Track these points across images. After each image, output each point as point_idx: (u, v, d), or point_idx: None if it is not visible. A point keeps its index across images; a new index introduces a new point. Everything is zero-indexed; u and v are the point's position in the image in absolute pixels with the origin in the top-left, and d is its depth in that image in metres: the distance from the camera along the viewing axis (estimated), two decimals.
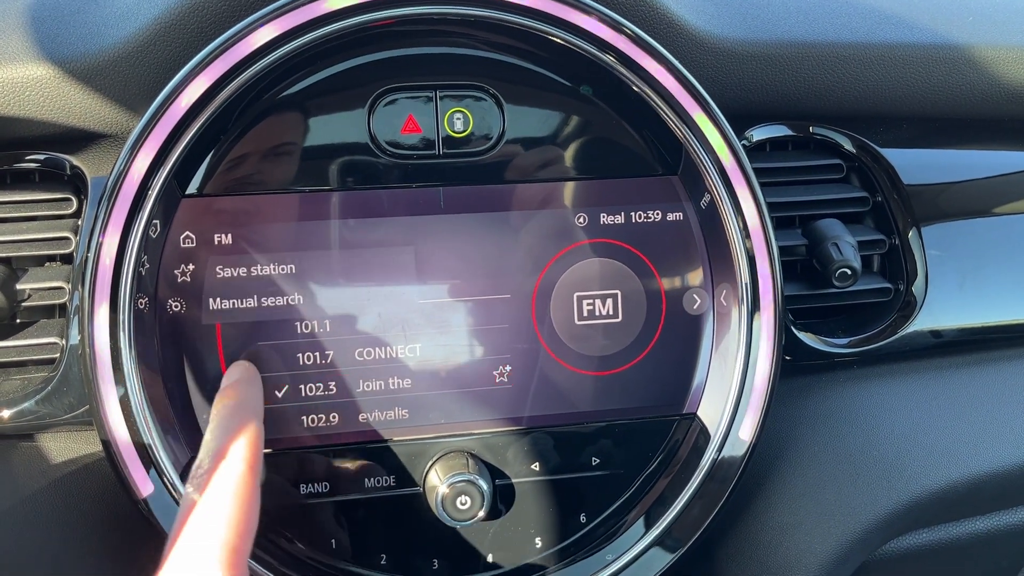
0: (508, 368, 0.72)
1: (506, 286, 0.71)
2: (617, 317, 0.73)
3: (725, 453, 0.71)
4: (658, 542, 0.72)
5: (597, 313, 0.73)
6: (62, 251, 0.73)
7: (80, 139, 0.75)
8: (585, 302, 0.73)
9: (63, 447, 0.72)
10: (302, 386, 0.69)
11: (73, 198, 0.74)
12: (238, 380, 0.64)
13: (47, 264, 0.74)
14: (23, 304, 0.72)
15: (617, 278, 0.73)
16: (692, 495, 0.71)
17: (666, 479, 0.74)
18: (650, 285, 0.73)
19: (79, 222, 0.73)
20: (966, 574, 0.92)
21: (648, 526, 0.72)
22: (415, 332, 0.70)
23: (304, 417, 0.69)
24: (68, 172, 0.75)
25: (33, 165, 0.75)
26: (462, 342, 0.71)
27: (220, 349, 0.68)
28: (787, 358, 0.78)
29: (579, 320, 0.73)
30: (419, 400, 0.71)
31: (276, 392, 0.69)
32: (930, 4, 0.89)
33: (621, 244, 0.72)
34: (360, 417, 0.70)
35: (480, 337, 0.71)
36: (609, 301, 0.73)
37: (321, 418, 0.70)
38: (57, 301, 0.72)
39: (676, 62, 0.68)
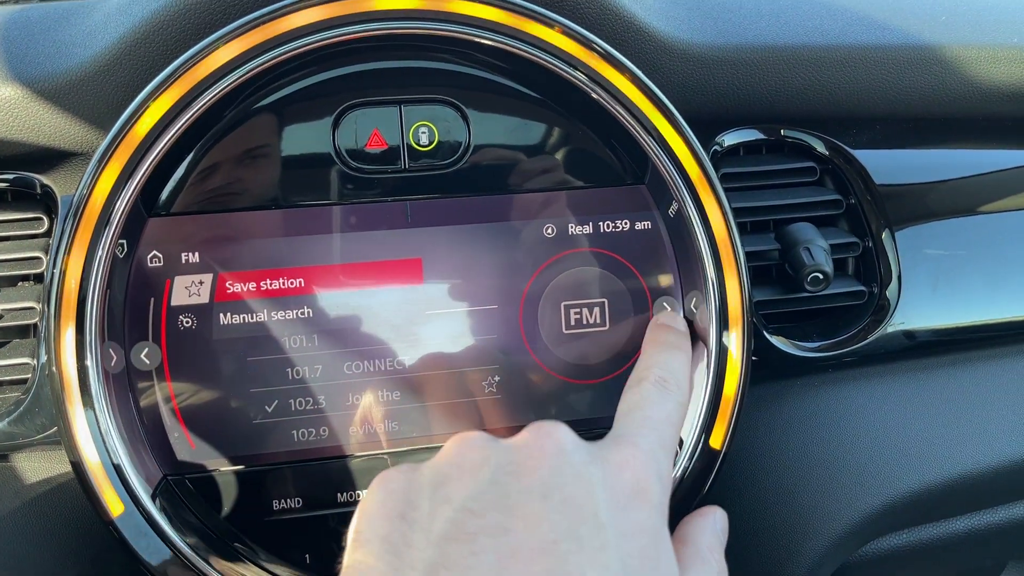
0: (496, 379, 0.72)
1: (493, 296, 0.71)
2: (604, 326, 0.73)
3: (697, 461, 0.71)
4: None
5: (584, 322, 0.73)
6: (34, 271, 0.73)
7: (50, 158, 0.75)
8: (572, 311, 0.73)
9: (36, 466, 0.73)
10: (278, 403, 0.69)
11: (44, 217, 0.74)
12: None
13: (20, 284, 0.75)
14: None
15: (589, 286, 0.73)
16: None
17: None
18: (620, 295, 0.73)
19: (50, 241, 0.73)
20: (950, 572, 0.92)
21: None
22: (401, 345, 0.70)
23: (294, 431, 0.70)
24: (39, 191, 0.75)
25: (3, 184, 0.75)
26: (450, 353, 0.71)
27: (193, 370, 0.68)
28: (757, 360, 0.78)
29: (566, 329, 0.73)
30: (408, 412, 0.71)
31: (266, 407, 0.69)
32: (902, 4, 0.89)
33: (592, 251, 0.72)
34: (334, 433, 0.70)
35: (468, 348, 0.71)
36: (596, 310, 0.73)
37: (311, 432, 0.70)
38: (30, 321, 0.73)
39: (640, 73, 0.67)
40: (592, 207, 0.72)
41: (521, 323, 0.72)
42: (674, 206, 0.71)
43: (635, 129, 0.68)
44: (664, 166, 0.69)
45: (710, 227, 0.69)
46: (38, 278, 0.74)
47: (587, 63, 0.67)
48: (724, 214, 0.69)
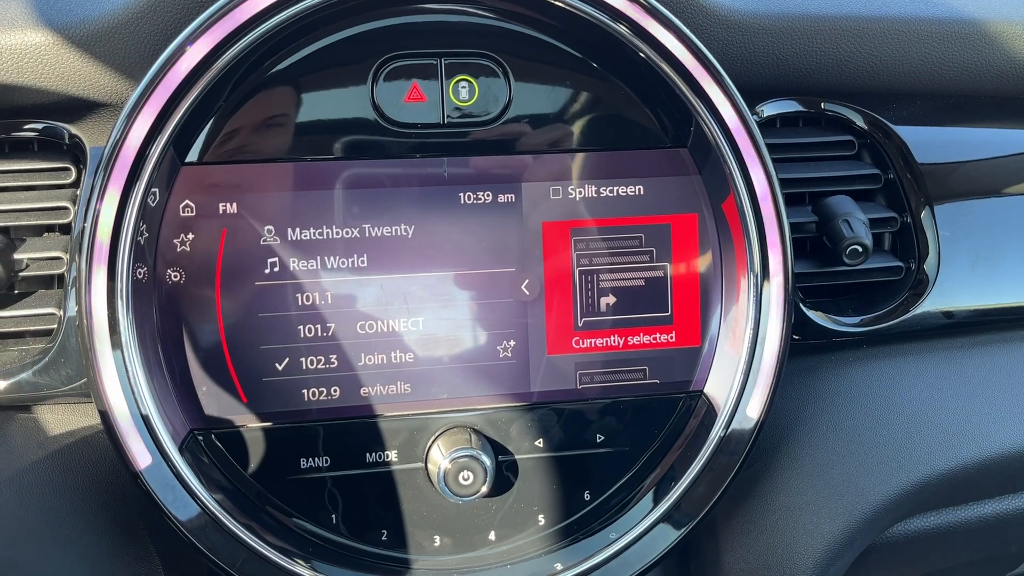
0: (512, 343, 0.71)
1: (511, 259, 0.70)
2: (626, 293, 0.72)
3: (733, 429, 0.70)
4: (666, 518, 0.71)
5: (605, 287, 0.72)
6: (61, 221, 0.72)
7: (79, 108, 0.74)
8: (595, 275, 0.71)
9: (60, 419, 0.72)
10: (303, 359, 0.68)
11: (72, 167, 0.73)
12: None
13: (46, 234, 0.73)
14: (21, 274, 0.71)
15: (626, 251, 0.71)
16: (700, 471, 0.70)
17: (673, 455, 0.73)
18: (660, 258, 0.72)
19: (78, 192, 0.72)
20: (975, 557, 0.91)
21: (656, 501, 0.71)
22: (417, 305, 0.69)
23: (305, 391, 0.68)
24: (67, 141, 0.74)
25: (31, 134, 0.74)
26: (466, 316, 0.70)
27: (220, 320, 0.67)
28: (796, 337, 0.77)
29: (598, 297, 0.71)
30: (421, 374, 0.70)
31: (276, 365, 0.68)
32: None
33: (630, 217, 0.71)
34: (362, 391, 0.69)
35: (484, 311, 0.70)
36: (618, 275, 0.72)
37: (322, 392, 0.69)
38: (55, 271, 0.71)
39: (688, 32, 0.66)
40: (632, 170, 0.71)
41: (545, 289, 0.71)
42: (717, 171, 0.69)
43: (682, 90, 0.67)
44: (709, 128, 0.67)
45: (754, 191, 0.68)
46: (64, 229, 0.73)
47: (635, 20, 0.65)
48: (769, 179, 0.68)
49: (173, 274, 0.66)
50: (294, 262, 0.67)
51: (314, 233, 0.67)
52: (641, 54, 0.66)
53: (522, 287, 0.70)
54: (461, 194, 0.69)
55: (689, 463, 0.71)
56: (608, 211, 0.71)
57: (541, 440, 0.72)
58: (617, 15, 0.65)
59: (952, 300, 0.82)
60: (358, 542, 0.70)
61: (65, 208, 0.72)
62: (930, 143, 0.84)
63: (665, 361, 0.73)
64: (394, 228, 0.68)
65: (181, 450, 0.64)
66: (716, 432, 0.70)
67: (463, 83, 0.69)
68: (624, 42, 0.66)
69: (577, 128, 0.70)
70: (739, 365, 0.70)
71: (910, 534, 0.83)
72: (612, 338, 0.72)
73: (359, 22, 0.67)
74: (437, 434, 0.70)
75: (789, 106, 0.83)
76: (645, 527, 0.71)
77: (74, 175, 0.73)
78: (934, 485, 0.75)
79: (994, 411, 0.79)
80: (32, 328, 0.71)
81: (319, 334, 0.68)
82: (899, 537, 0.82)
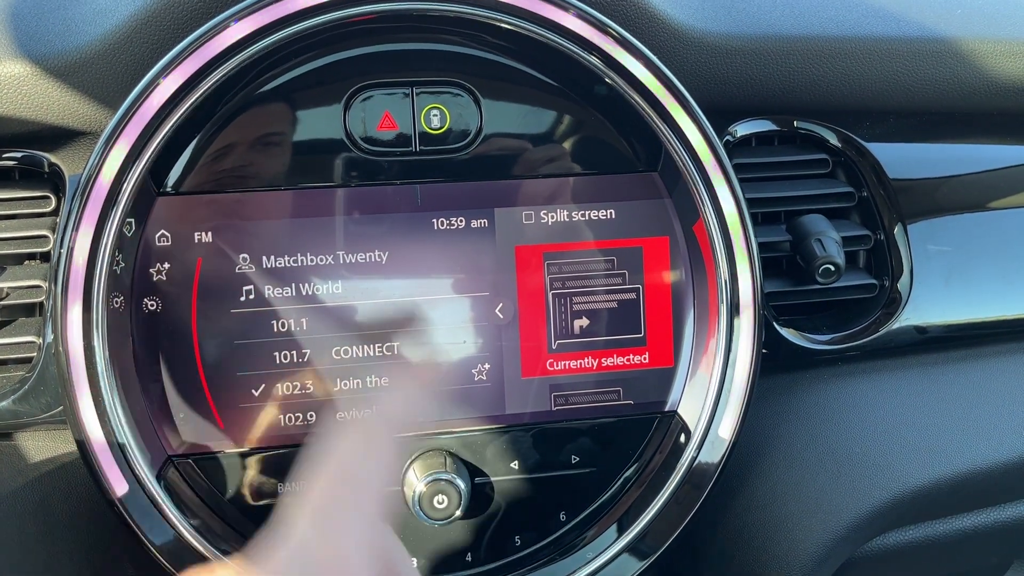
0: (487, 366, 0.71)
1: (485, 284, 0.71)
2: (604, 318, 0.73)
3: (704, 451, 0.70)
4: (629, 548, 0.71)
5: (579, 310, 0.72)
6: (41, 249, 0.73)
7: (58, 136, 0.75)
8: (568, 298, 0.72)
9: (40, 446, 0.72)
10: (279, 385, 0.69)
11: (52, 196, 0.74)
12: None
13: (26, 262, 0.74)
14: (2, 303, 0.72)
15: (598, 274, 0.72)
16: (677, 485, 0.70)
17: (647, 477, 0.73)
18: (632, 281, 0.72)
19: (57, 220, 0.73)
20: (955, 570, 0.91)
21: (620, 532, 0.72)
22: (392, 330, 0.70)
23: (281, 416, 0.69)
24: (46, 170, 0.74)
25: (11, 163, 0.74)
26: (440, 340, 0.70)
27: (196, 348, 0.68)
28: (767, 352, 0.77)
29: (570, 320, 0.72)
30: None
31: (253, 391, 0.69)
32: None
33: (602, 240, 0.72)
34: (338, 415, 0.70)
35: (458, 335, 0.71)
36: (591, 298, 0.72)
37: (299, 417, 0.69)
38: (36, 300, 0.72)
39: (654, 58, 0.67)
40: (604, 194, 0.72)
41: (519, 313, 0.71)
42: (686, 194, 0.70)
43: (649, 115, 0.68)
44: (678, 153, 0.68)
45: (723, 216, 0.69)
46: (44, 257, 0.74)
47: (602, 47, 0.66)
48: (737, 203, 0.68)
49: (149, 303, 0.67)
50: (269, 289, 0.68)
51: (288, 260, 0.68)
52: (613, 83, 0.67)
53: (496, 311, 0.71)
54: (434, 220, 0.70)
55: (666, 479, 0.71)
56: (580, 235, 0.72)
57: (517, 462, 0.72)
58: (590, 47, 0.66)
59: (926, 316, 0.83)
60: None
61: (45, 236, 0.72)
62: (903, 160, 0.85)
63: (639, 382, 0.73)
64: (368, 255, 0.69)
65: (158, 477, 0.65)
66: (690, 451, 0.71)
67: (434, 111, 0.70)
68: (595, 71, 0.67)
69: (549, 154, 0.71)
70: (711, 385, 0.70)
71: (889, 548, 0.83)
72: (586, 360, 0.73)
73: (331, 52, 0.68)
74: (413, 458, 0.71)
75: (763, 125, 0.84)
76: (624, 544, 0.71)
77: (54, 203, 0.73)
78: (908, 501, 0.76)
79: (968, 426, 0.79)
80: (12, 356, 0.72)
81: (295, 360, 0.69)
82: (878, 551, 0.83)
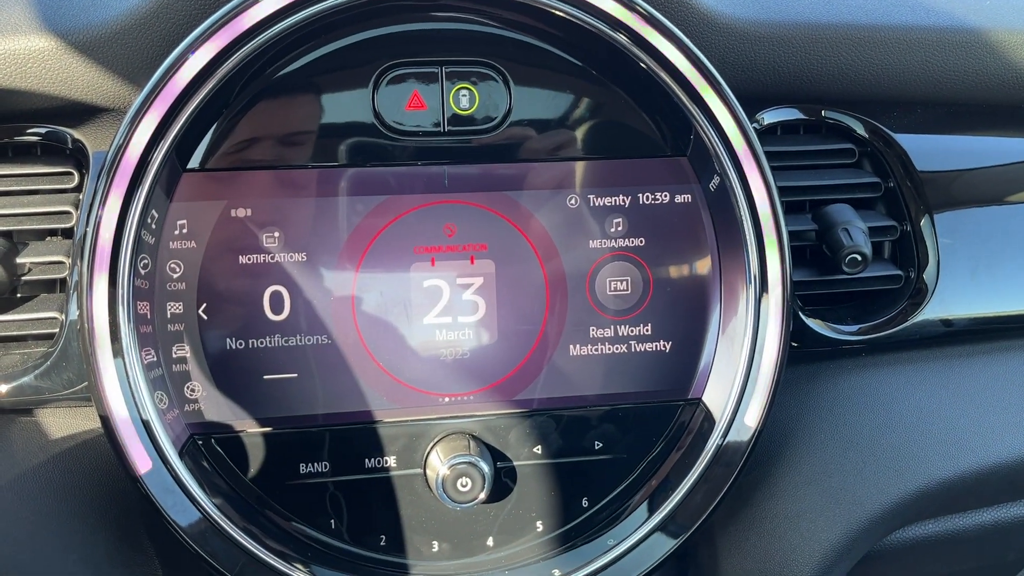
0: (512, 350, 0.71)
1: (512, 268, 0.70)
2: (637, 303, 0.72)
3: (730, 439, 0.70)
4: (661, 527, 0.71)
5: (604, 295, 0.72)
6: (63, 225, 0.72)
7: (82, 112, 0.74)
8: (594, 283, 0.71)
9: (61, 423, 0.72)
10: (306, 364, 0.68)
11: (75, 172, 0.73)
12: None
13: (48, 238, 0.74)
14: (23, 278, 0.71)
15: (625, 259, 0.71)
16: (696, 480, 0.70)
17: (670, 464, 0.73)
18: (659, 267, 0.72)
19: (80, 196, 0.73)
20: (972, 565, 0.91)
21: (651, 511, 0.71)
22: (418, 312, 0.69)
23: (305, 396, 0.69)
24: (70, 146, 0.74)
25: (35, 138, 0.74)
26: (465, 322, 0.70)
27: (222, 325, 0.67)
28: (794, 344, 0.77)
29: (596, 303, 0.72)
30: (420, 380, 0.70)
31: (295, 369, 0.68)
32: None
33: (629, 225, 0.71)
34: (362, 397, 0.69)
35: (483, 318, 0.70)
36: (618, 284, 0.72)
37: (322, 397, 0.69)
38: (58, 276, 0.72)
39: (687, 41, 0.66)
40: (632, 178, 0.71)
41: (547, 296, 0.71)
42: (716, 180, 0.70)
43: (682, 99, 0.67)
44: (709, 137, 0.67)
45: (753, 202, 0.68)
46: (67, 233, 0.73)
47: (634, 30, 0.65)
48: (768, 189, 0.68)
49: (175, 279, 0.66)
50: (293, 268, 0.68)
51: (315, 238, 0.68)
52: (640, 63, 0.66)
53: (521, 295, 0.70)
54: (461, 200, 0.69)
55: (686, 472, 0.71)
56: (607, 219, 0.71)
57: (540, 447, 0.72)
58: (616, 24, 0.65)
59: (951, 309, 0.82)
60: (357, 547, 0.71)
61: (68, 212, 0.72)
62: (930, 151, 0.84)
63: (664, 369, 0.73)
64: (396, 235, 0.68)
65: (181, 455, 0.65)
66: (714, 440, 0.70)
67: (463, 91, 0.69)
68: (623, 51, 0.66)
69: (577, 136, 0.70)
70: (737, 373, 0.70)
71: (908, 542, 0.83)
72: (612, 345, 0.72)
73: (361, 29, 0.67)
74: (436, 440, 0.70)
75: (790, 114, 0.83)
76: (646, 531, 0.71)
77: (77, 179, 0.73)
78: (931, 494, 0.75)
79: (993, 420, 0.79)
80: (34, 332, 0.72)
81: (323, 340, 0.68)
82: (897, 545, 0.83)
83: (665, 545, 0.71)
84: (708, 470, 0.70)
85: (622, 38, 0.66)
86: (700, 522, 0.71)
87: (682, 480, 0.71)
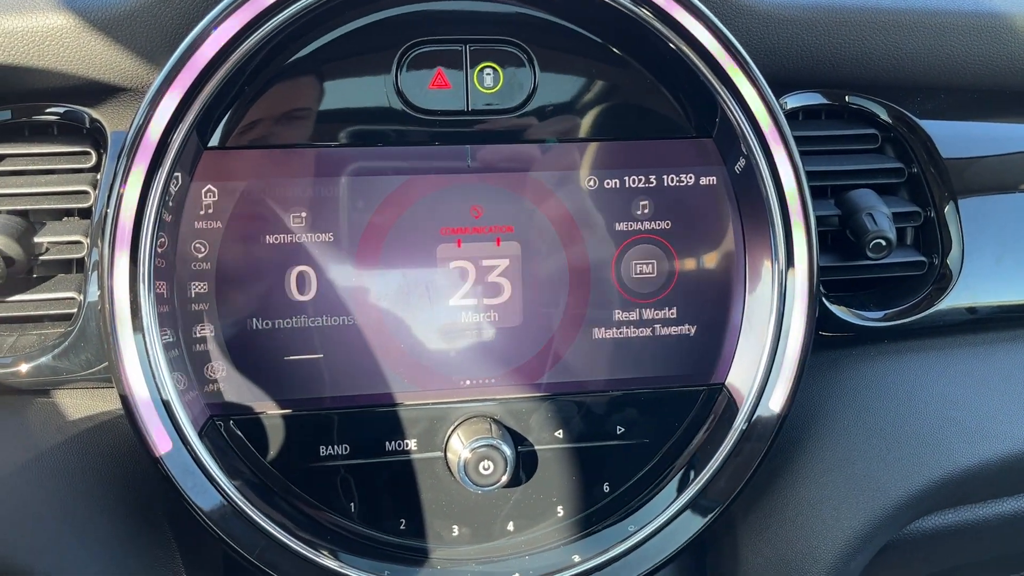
0: (534, 334, 0.70)
1: (537, 250, 0.69)
2: (663, 285, 0.72)
3: (755, 423, 0.69)
4: (683, 513, 0.70)
5: (628, 277, 0.71)
6: (81, 205, 0.72)
7: (100, 92, 0.73)
8: (618, 266, 0.71)
9: (79, 403, 0.71)
10: (328, 345, 0.68)
11: (92, 152, 0.73)
12: None
13: (65, 218, 0.73)
14: (40, 258, 0.71)
15: (650, 241, 0.71)
16: (720, 465, 0.70)
17: (694, 447, 0.72)
18: (684, 249, 0.71)
19: (98, 176, 0.72)
20: (992, 554, 0.90)
21: (680, 491, 0.71)
22: (439, 294, 0.69)
23: (326, 378, 0.68)
24: (87, 125, 0.73)
25: (52, 118, 0.73)
26: (486, 305, 0.69)
27: (243, 304, 0.66)
28: (818, 331, 0.76)
29: (622, 287, 0.71)
30: (442, 364, 0.69)
31: (301, 350, 0.67)
32: None
33: (654, 207, 0.70)
34: (384, 379, 0.69)
35: (506, 301, 0.69)
36: (644, 267, 0.71)
37: (343, 379, 0.68)
38: (75, 256, 0.71)
39: (715, 19, 0.65)
40: (657, 159, 0.70)
41: (571, 278, 0.70)
42: (741, 162, 0.69)
43: (708, 79, 0.66)
44: (736, 118, 0.67)
45: (780, 184, 0.67)
46: (84, 213, 0.73)
47: (659, 5, 0.64)
48: (796, 171, 0.67)
49: (200, 259, 0.66)
50: (316, 248, 0.67)
51: (337, 219, 0.67)
52: (668, 42, 0.66)
53: (545, 277, 0.70)
54: (484, 182, 0.68)
55: (712, 453, 0.70)
56: (632, 201, 0.70)
57: (561, 431, 0.71)
58: (641, 0, 0.64)
59: (976, 295, 0.82)
60: (376, 531, 0.70)
61: (85, 192, 0.71)
62: (954, 137, 0.83)
63: (687, 352, 0.72)
64: (418, 216, 0.68)
65: (201, 436, 0.64)
66: (738, 424, 0.70)
67: (488, 70, 0.68)
68: (649, 28, 0.65)
69: (602, 116, 0.70)
70: (762, 357, 0.69)
71: (929, 531, 0.82)
72: (636, 329, 0.71)
73: (385, 7, 0.66)
74: (456, 423, 0.70)
75: (813, 98, 0.82)
76: (667, 517, 0.70)
77: (94, 159, 0.72)
78: (955, 482, 0.75)
79: (1018, 408, 0.78)
80: (51, 312, 0.71)
81: (341, 322, 0.68)
82: (918, 534, 0.82)
83: (687, 531, 0.71)
84: (732, 455, 0.69)
85: (644, 13, 0.65)
86: (724, 507, 0.70)
87: (705, 465, 0.70)
